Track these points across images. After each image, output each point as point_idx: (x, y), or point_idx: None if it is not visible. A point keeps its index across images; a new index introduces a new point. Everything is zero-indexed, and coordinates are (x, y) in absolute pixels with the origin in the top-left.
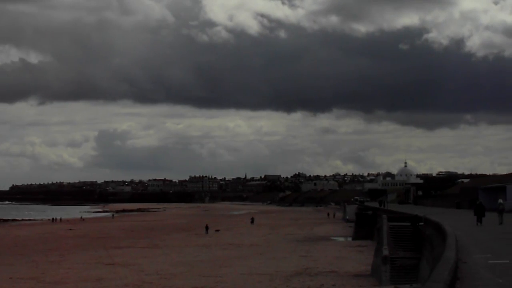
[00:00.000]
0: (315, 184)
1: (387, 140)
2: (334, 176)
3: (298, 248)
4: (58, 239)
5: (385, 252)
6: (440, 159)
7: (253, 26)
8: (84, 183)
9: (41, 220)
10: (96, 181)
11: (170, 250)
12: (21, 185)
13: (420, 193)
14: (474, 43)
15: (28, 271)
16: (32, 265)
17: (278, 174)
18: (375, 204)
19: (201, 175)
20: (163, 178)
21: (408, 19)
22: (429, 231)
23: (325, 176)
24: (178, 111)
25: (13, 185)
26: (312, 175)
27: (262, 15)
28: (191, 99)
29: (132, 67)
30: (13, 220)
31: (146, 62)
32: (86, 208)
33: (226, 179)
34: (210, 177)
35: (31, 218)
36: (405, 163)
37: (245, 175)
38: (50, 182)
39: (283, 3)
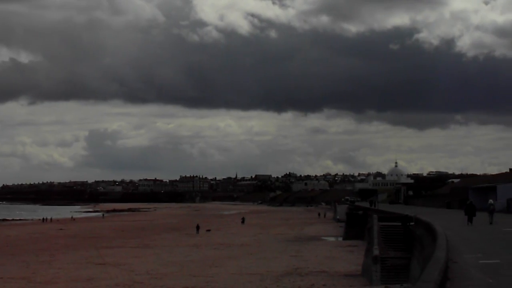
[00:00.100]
0: (305, 184)
1: (377, 140)
2: (325, 176)
3: (288, 248)
4: (48, 239)
5: (376, 252)
6: (430, 159)
7: (243, 26)
8: (75, 183)
9: (32, 220)
10: (86, 181)
11: (161, 250)
12: (12, 185)
13: (410, 193)
14: (465, 43)
15: (19, 271)
16: (22, 265)
17: (269, 174)
18: (365, 204)
19: (191, 175)
20: (153, 178)
21: (398, 19)
22: (420, 231)
23: (316, 176)
24: (168, 111)
25: (3, 185)
26: (302, 175)
27: (253, 15)
28: (182, 99)
29: (122, 67)
30: (4, 220)
31: (136, 61)
32: (77, 208)
33: (217, 179)
34: (201, 177)
35: (21, 218)
36: (396, 163)
37: (236, 175)
38: (40, 182)
39: (273, 3)
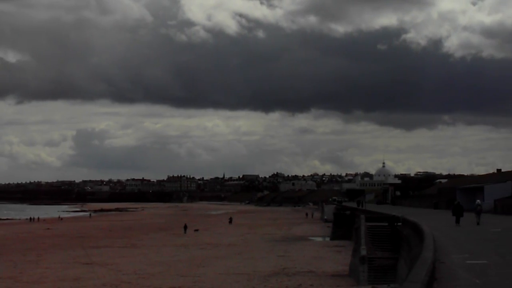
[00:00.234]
0: (293, 184)
1: (365, 140)
2: (312, 176)
3: (276, 248)
4: (36, 239)
5: (363, 252)
6: (418, 159)
7: (231, 26)
8: (62, 182)
9: (19, 219)
10: (74, 181)
11: (148, 249)
12: None
13: (398, 193)
14: (452, 43)
15: (6, 270)
16: (9, 264)
17: (256, 174)
18: (353, 204)
19: (179, 175)
20: (141, 178)
21: (386, 19)
22: (407, 231)
23: (303, 176)
24: (156, 111)
25: None
26: (290, 175)
27: (241, 15)
28: (169, 98)
29: (110, 67)
30: None
31: (124, 61)
32: (64, 207)
33: (204, 179)
34: (188, 176)
35: (8, 218)
36: (383, 163)
37: (223, 175)
38: (28, 182)
39: (261, 3)
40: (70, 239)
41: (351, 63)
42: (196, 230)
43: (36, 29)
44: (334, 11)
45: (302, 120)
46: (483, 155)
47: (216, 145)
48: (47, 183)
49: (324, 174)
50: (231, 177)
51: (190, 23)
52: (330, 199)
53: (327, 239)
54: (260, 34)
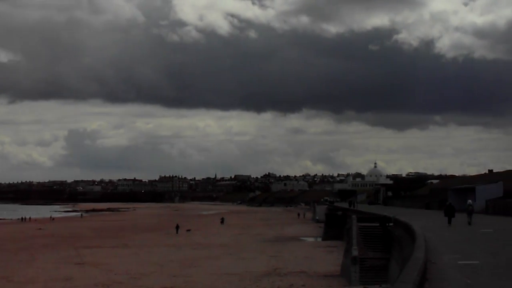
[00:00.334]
0: (285, 184)
1: (357, 140)
2: (304, 177)
3: (267, 248)
4: (27, 239)
5: (355, 252)
6: (409, 160)
7: (223, 26)
8: (54, 182)
9: (11, 219)
10: (66, 181)
11: (140, 250)
12: None
13: (389, 193)
14: (444, 44)
15: None
16: (1, 264)
17: (248, 174)
18: (345, 205)
19: (171, 175)
20: (133, 178)
21: (378, 20)
22: (399, 232)
23: (295, 176)
24: (148, 111)
25: None
26: (282, 176)
27: (233, 15)
28: (161, 98)
29: (102, 67)
30: None
31: (116, 61)
32: (56, 207)
33: (196, 179)
34: (180, 177)
35: (0, 218)
36: (375, 163)
37: (215, 175)
38: (19, 182)
39: (253, 3)
40: (62, 239)
41: (343, 64)
42: (188, 230)
43: (28, 29)
44: (326, 12)
45: (294, 121)
46: (474, 155)
47: (208, 145)
48: (38, 183)
49: (316, 175)
50: (223, 177)
51: (182, 23)
52: (322, 200)
53: (319, 239)
54: (252, 34)
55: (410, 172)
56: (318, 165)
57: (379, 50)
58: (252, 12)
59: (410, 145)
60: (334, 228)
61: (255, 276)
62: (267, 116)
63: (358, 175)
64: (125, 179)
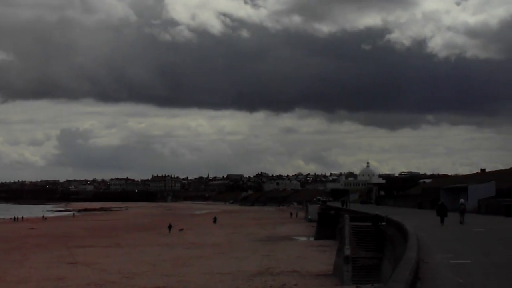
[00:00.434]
0: (277, 183)
1: (349, 140)
2: (297, 176)
3: (260, 247)
4: (20, 238)
5: (347, 252)
6: (402, 159)
7: (215, 26)
8: (47, 182)
9: (3, 219)
10: (58, 180)
11: (133, 249)
12: None
13: (382, 193)
14: (436, 43)
15: None
16: None
17: (241, 173)
18: (337, 204)
19: (163, 174)
20: (125, 177)
21: (370, 19)
22: (391, 231)
23: (288, 175)
24: (140, 110)
25: None
26: (274, 175)
27: (225, 15)
28: (154, 98)
29: (94, 66)
30: None
31: (108, 60)
32: (48, 207)
33: (189, 178)
34: (173, 176)
35: None
36: (368, 163)
37: (208, 175)
38: (12, 181)
39: (245, 2)
40: (54, 239)
41: (335, 63)
42: (181, 229)
43: (20, 28)
44: (318, 11)
45: (286, 120)
46: (467, 155)
47: (200, 145)
48: (31, 182)
49: (309, 174)
50: (215, 177)
51: (174, 23)
52: (315, 199)
53: (312, 238)
54: (245, 33)
55: (403, 172)
56: (311, 164)
57: (372, 50)
58: (245, 11)
59: (403, 144)
60: (326, 227)
61: (248, 276)
62: (260, 116)
63: (351, 174)
64: (117, 179)
